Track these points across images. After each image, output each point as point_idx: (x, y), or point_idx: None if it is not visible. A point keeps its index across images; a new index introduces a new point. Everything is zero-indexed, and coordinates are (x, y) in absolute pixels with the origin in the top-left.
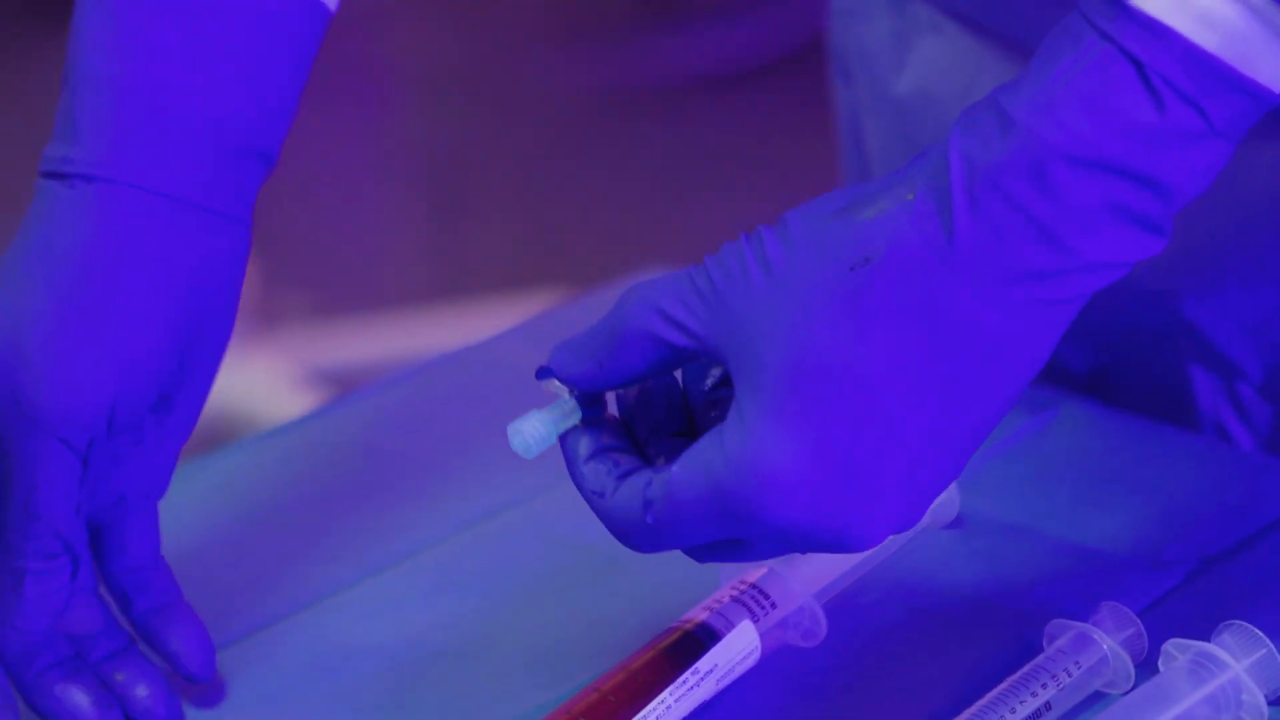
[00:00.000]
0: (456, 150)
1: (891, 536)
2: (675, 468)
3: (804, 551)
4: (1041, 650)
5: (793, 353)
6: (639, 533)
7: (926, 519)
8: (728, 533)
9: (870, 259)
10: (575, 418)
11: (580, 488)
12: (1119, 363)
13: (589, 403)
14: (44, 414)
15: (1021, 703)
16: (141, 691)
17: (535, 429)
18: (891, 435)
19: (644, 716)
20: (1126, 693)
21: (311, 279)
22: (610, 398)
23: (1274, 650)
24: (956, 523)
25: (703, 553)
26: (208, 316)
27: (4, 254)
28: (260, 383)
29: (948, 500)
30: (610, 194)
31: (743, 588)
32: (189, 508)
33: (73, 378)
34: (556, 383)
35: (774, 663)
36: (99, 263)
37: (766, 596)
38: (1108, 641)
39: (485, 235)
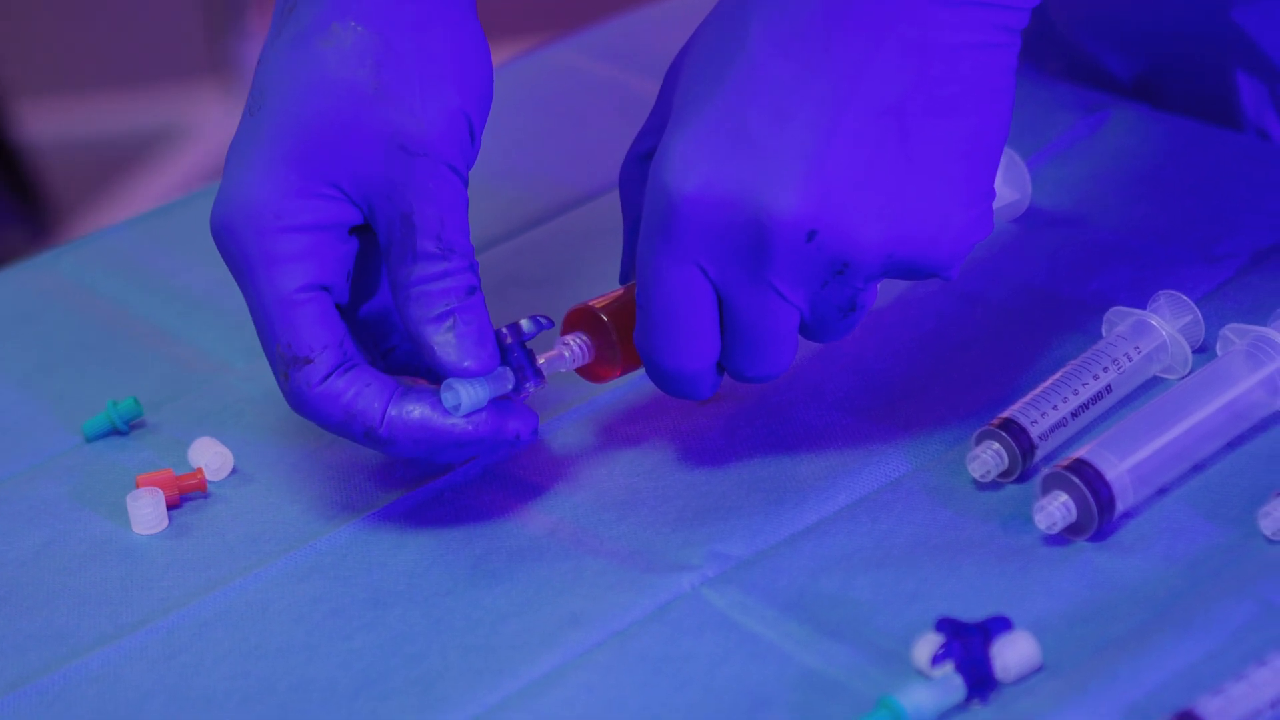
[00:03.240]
0: None
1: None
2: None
3: (741, 250)
4: (1101, 338)
5: (698, 60)
6: (645, 325)
7: (1000, 209)
8: (683, 258)
9: None
10: (508, 384)
11: None
12: (1164, 69)
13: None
14: (433, 144)
15: (1084, 385)
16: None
17: (469, 389)
18: (782, 101)
19: None
20: (1184, 377)
21: None
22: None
23: None
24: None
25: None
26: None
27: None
28: None
29: (1020, 194)
30: None
31: None
32: None
33: (444, 103)
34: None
35: (838, 349)
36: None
37: None
38: (1166, 328)
39: None
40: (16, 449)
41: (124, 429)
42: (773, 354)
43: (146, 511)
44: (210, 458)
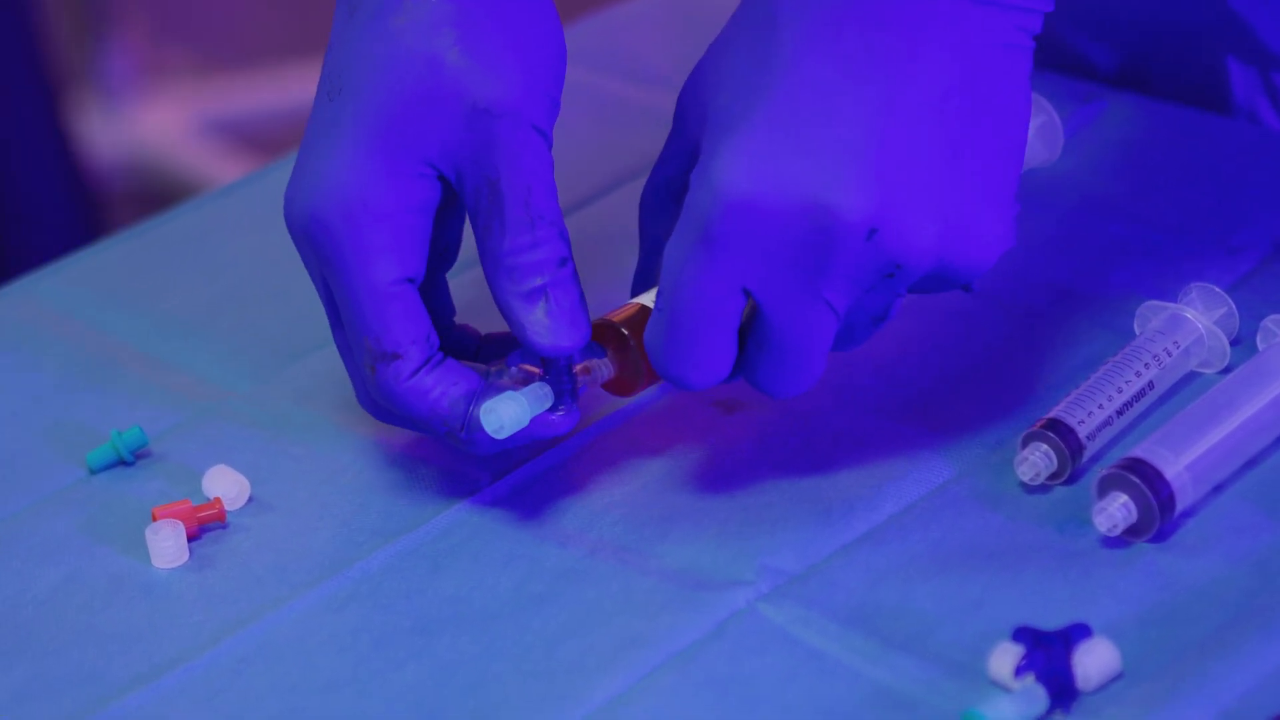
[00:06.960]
0: None
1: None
2: (669, 242)
3: (797, 257)
4: (1131, 333)
5: (732, 74)
6: (665, 336)
7: (1029, 155)
8: (728, 273)
9: None
10: (548, 402)
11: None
12: (1150, 57)
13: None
14: (516, 105)
15: (1127, 382)
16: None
17: (511, 411)
18: (830, 104)
19: None
20: (1222, 371)
21: (198, 33)
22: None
23: None
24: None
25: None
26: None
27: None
28: (157, 135)
29: (1050, 134)
30: None
31: None
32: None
33: (523, 64)
34: (525, 367)
35: (859, 352)
36: None
37: None
38: (1202, 320)
39: None
40: (19, 483)
41: (130, 460)
42: (804, 369)
43: (167, 545)
44: (227, 486)
